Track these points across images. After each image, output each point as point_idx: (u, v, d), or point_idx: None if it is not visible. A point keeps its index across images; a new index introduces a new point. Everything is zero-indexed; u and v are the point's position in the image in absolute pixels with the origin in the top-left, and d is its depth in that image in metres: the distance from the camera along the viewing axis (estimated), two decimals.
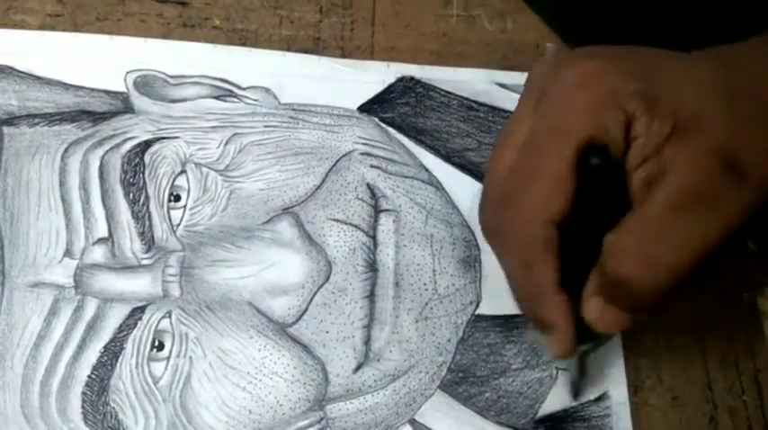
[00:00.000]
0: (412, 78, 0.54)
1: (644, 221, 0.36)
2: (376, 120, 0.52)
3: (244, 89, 0.51)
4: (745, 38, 0.39)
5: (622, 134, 0.36)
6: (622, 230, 0.36)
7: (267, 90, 0.52)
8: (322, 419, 0.44)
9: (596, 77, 0.37)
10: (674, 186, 0.35)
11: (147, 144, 0.48)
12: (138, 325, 0.44)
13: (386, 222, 0.48)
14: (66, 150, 0.47)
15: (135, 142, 0.48)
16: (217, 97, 0.51)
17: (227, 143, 0.49)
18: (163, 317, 0.44)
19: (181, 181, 0.47)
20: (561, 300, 0.38)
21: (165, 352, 0.44)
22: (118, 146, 0.48)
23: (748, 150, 0.35)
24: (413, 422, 0.45)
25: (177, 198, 0.47)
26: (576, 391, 0.46)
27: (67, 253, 0.45)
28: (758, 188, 0.35)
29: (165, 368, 0.44)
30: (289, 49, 0.54)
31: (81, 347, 0.43)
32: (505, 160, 0.39)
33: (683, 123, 0.35)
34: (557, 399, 0.47)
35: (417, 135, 0.52)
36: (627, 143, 0.37)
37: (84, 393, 0.42)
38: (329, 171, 0.49)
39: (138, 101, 0.50)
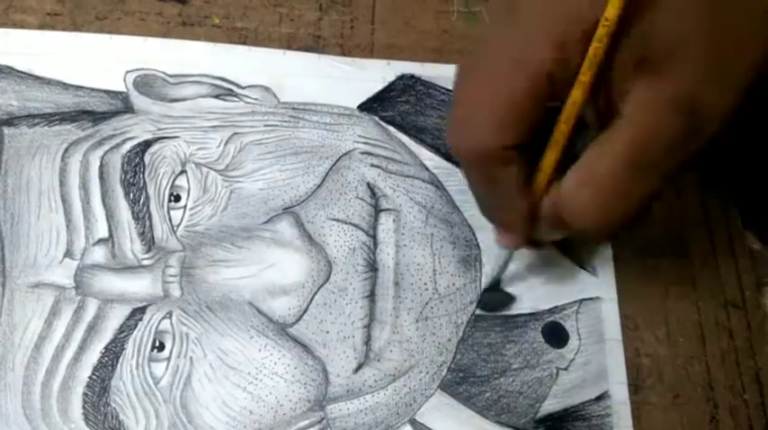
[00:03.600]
0: (412, 76, 0.54)
1: (600, 175, 0.35)
2: (376, 118, 0.52)
3: (243, 88, 0.51)
4: None
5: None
6: (578, 183, 0.36)
7: (267, 89, 0.52)
8: (323, 419, 0.44)
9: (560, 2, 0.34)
10: (630, 138, 0.34)
11: (147, 144, 0.48)
12: (139, 325, 0.44)
13: (386, 221, 0.48)
14: (66, 150, 0.47)
15: (135, 142, 0.48)
16: (216, 96, 0.51)
17: (227, 143, 0.49)
18: (163, 317, 0.44)
19: (181, 181, 0.47)
20: (524, 206, 0.39)
21: (166, 352, 0.44)
22: (118, 146, 0.48)
23: (714, 94, 0.34)
24: (413, 422, 0.45)
25: (177, 198, 0.47)
26: (494, 281, 0.48)
27: (68, 253, 0.45)
28: (710, 134, 0.34)
29: (166, 368, 0.44)
30: (288, 48, 0.54)
31: (82, 348, 0.43)
32: (473, 78, 0.38)
33: (652, 57, 0.33)
34: (557, 399, 0.47)
35: (418, 133, 0.52)
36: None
37: (85, 394, 0.43)
38: (329, 170, 0.49)
39: (138, 100, 0.50)
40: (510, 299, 0.48)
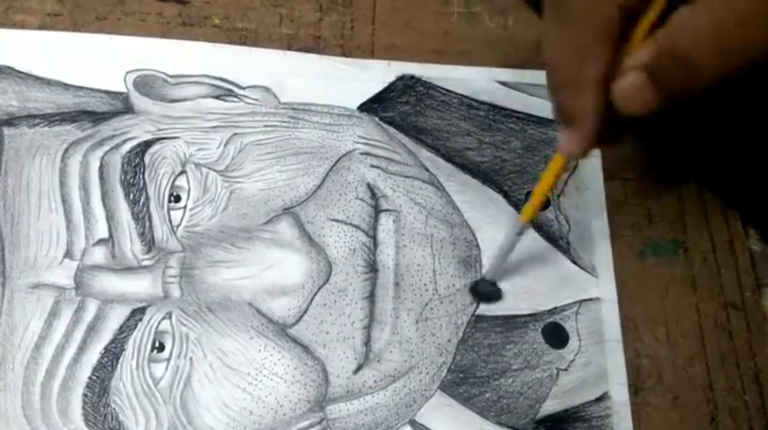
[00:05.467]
0: (412, 77, 0.54)
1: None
2: (376, 119, 0.52)
3: (244, 88, 0.51)
4: None
5: None
6: (698, 4, 0.33)
7: (267, 89, 0.52)
8: (322, 420, 0.44)
9: None
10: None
11: (147, 144, 0.48)
12: (139, 326, 0.44)
13: (386, 222, 0.48)
14: (66, 151, 0.47)
15: (135, 142, 0.48)
16: (217, 97, 0.51)
17: (227, 143, 0.49)
18: (163, 318, 0.44)
19: (181, 181, 0.47)
20: (600, 94, 0.37)
21: (166, 353, 0.44)
22: (118, 146, 0.48)
23: None
24: (413, 423, 0.45)
25: (177, 198, 0.47)
26: (494, 273, 0.48)
27: (68, 254, 0.45)
28: None
29: (166, 369, 0.44)
30: (289, 48, 0.54)
31: (81, 349, 0.43)
32: None
33: None
34: (558, 400, 0.47)
35: (418, 134, 0.52)
36: None
37: (84, 394, 0.43)
38: (329, 171, 0.49)
39: (138, 101, 0.50)
40: (498, 295, 0.48)
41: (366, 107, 0.52)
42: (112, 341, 0.44)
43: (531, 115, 0.54)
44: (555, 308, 0.49)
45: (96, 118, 0.49)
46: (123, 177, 0.47)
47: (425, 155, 0.51)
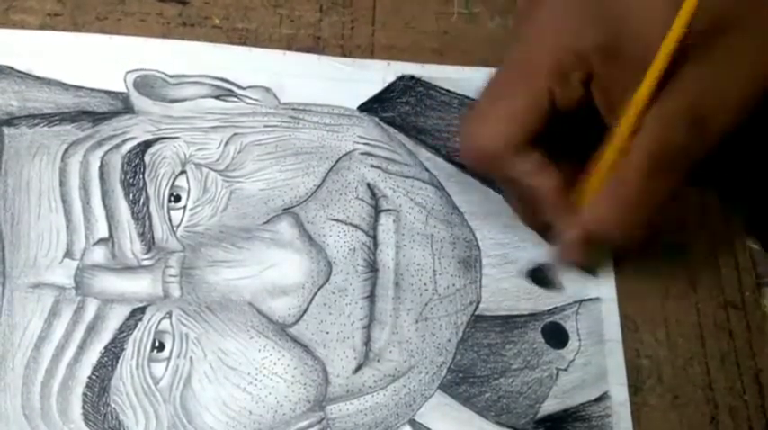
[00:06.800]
0: (412, 77, 0.54)
1: (620, 189, 0.39)
2: (376, 119, 0.52)
3: (244, 89, 0.51)
4: None
5: (582, 91, 0.40)
6: (602, 199, 0.40)
7: (267, 89, 0.52)
8: (322, 420, 0.44)
9: (558, 26, 0.41)
10: (647, 151, 0.38)
11: (147, 144, 0.48)
12: (139, 325, 0.44)
13: (386, 222, 0.48)
14: (66, 151, 0.47)
15: (135, 142, 0.48)
16: (217, 97, 0.51)
17: (227, 143, 0.49)
18: (163, 317, 0.44)
19: (181, 181, 0.47)
20: (565, 205, 0.42)
21: (166, 352, 0.44)
22: (118, 146, 0.48)
23: (715, 105, 0.38)
24: (413, 422, 0.45)
25: (177, 198, 0.47)
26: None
27: (68, 253, 0.45)
28: (718, 137, 0.39)
29: (166, 369, 0.44)
30: (289, 49, 0.54)
31: (81, 348, 0.43)
32: (487, 89, 0.44)
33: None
34: (557, 399, 0.47)
35: (418, 134, 0.52)
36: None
37: (84, 394, 0.43)
38: (329, 171, 0.49)
39: (138, 101, 0.50)
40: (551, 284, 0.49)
41: (366, 107, 0.52)
42: (112, 340, 0.44)
43: None
44: (555, 308, 0.49)
45: (96, 118, 0.49)
46: (123, 177, 0.47)
47: (425, 155, 0.52)
